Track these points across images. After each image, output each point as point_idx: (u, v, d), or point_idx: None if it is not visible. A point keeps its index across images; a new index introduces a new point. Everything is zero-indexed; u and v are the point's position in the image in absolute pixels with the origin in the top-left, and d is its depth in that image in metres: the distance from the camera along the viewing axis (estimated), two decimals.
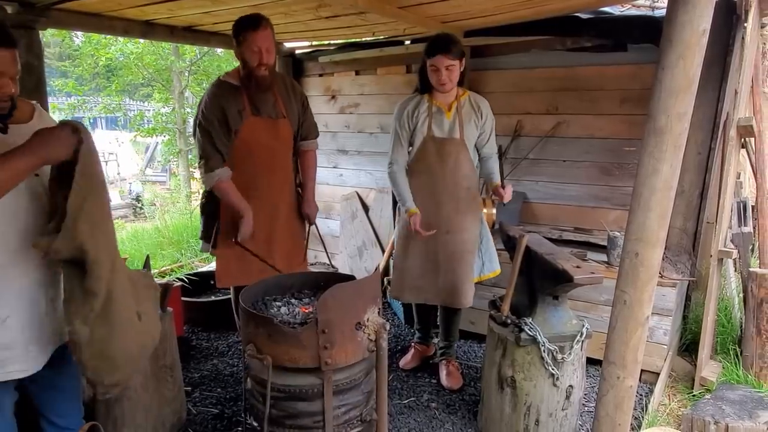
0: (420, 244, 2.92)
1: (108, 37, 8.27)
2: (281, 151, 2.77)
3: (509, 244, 2.75)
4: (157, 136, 9.75)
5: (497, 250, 3.38)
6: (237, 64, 2.76)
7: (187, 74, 9.10)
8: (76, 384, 2.06)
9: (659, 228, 1.62)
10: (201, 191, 3.00)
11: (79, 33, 8.22)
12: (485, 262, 3.02)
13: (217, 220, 2.78)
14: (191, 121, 10.05)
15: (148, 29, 3.36)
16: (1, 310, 1.65)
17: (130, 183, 10.77)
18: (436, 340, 3.37)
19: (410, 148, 2.91)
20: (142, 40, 8.22)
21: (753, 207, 3.55)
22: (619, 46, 3.41)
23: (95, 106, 10.51)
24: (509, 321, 2.45)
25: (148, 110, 12.00)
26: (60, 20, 2.85)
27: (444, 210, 2.84)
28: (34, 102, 1.90)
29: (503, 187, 2.77)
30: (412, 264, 2.96)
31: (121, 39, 8.31)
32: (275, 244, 2.80)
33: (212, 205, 2.78)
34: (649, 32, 3.16)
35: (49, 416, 2.02)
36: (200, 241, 2.97)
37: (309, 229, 3.02)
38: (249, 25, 2.48)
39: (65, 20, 2.89)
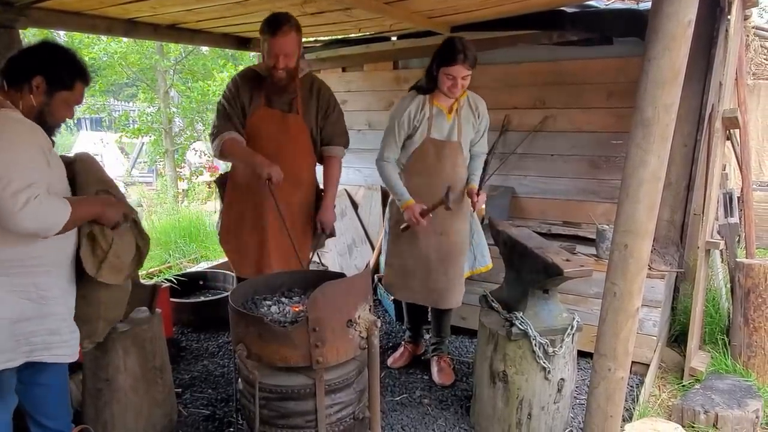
0: (412, 245, 2.90)
1: (91, 36, 8.17)
2: (289, 147, 2.70)
3: (499, 239, 2.75)
4: (142, 136, 9.66)
5: (487, 245, 3.40)
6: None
7: (172, 73, 9.02)
8: (64, 382, 2.05)
9: (648, 219, 1.63)
10: (215, 179, 3.04)
11: (62, 32, 8.10)
12: (477, 257, 3.04)
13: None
14: (177, 120, 10.00)
15: (131, 27, 3.32)
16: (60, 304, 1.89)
17: None
18: (427, 337, 3.37)
19: (403, 147, 2.87)
20: (125, 39, 8.13)
21: (739, 198, 3.59)
22: (605, 39, 3.43)
23: (79, 106, 10.36)
24: (494, 304, 2.46)
25: (133, 110, 11.87)
26: (40, 19, 2.81)
27: (438, 212, 2.81)
28: None
29: (478, 193, 2.77)
30: (403, 263, 2.95)
31: (104, 38, 8.22)
32: (270, 243, 2.75)
33: (222, 193, 2.85)
34: (635, 25, 3.18)
35: (37, 418, 2.01)
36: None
37: (322, 237, 2.90)
38: (269, 29, 2.46)
39: (45, 19, 2.84)
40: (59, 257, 1.85)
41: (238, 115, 2.66)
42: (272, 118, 2.67)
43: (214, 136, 2.68)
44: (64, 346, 1.89)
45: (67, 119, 1.95)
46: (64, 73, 1.81)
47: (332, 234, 2.92)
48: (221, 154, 2.68)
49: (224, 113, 2.65)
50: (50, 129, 1.86)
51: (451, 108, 2.77)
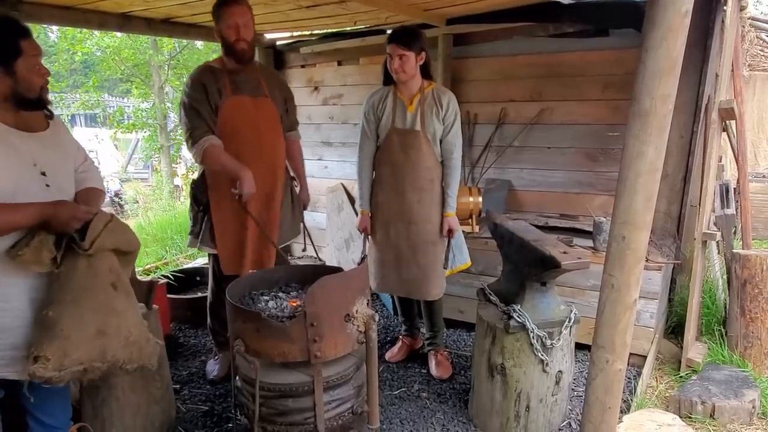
0: (383, 235, 2.96)
1: (84, 31, 8.12)
2: (266, 132, 2.73)
3: (496, 232, 2.75)
4: (137, 132, 9.62)
5: (485, 238, 3.40)
6: (216, 57, 2.73)
7: (166, 68, 8.97)
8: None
9: (645, 211, 1.62)
10: (189, 182, 2.96)
11: (55, 28, 8.04)
12: (455, 255, 3.02)
13: (207, 213, 2.74)
14: (172, 116, 9.96)
15: (125, 22, 3.29)
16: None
17: (108, 181, 10.62)
18: (424, 330, 3.37)
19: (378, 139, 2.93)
20: (118, 34, 8.08)
21: (735, 189, 3.59)
22: (601, 31, 3.42)
23: (73, 102, 10.32)
24: (491, 297, 2.46)
25: (128, 106, 11.82)
26: (32, 14, 2.78)
27: (406, 201, 2.86)
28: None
29: (450, 232, 2.87)
30: (378, 254, 3.00)
31: (97, 33, 8.17)
32: (272, 228, 2.77)
33: (199, 197, 2.75)
34: (631, 17, 3.17)
35: (36, 414, 2.00)
36: (188, 237, 2.89)
37: (299, 220, 3.02)
38: (225, 1, 2.55)
39: (37, 14, 2.81)
40: (19, 266, 1.71)
41: (209, 113, 2.59)
42: (243, 104, 2.66)
43: (193, 140, 2.57)
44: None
45: (45, 78, 1.77)
46: (6, 46, 1.66)
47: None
48: (202, 161, 2.61)
49: (196, 113, 2.57)
50: (30, 102, 1.73)
51: (413, 99, 2.81)
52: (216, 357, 3.13)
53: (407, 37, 2.70)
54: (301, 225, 3.03)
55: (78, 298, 1.71)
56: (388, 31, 4.04)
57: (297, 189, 3.02)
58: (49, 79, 1.85)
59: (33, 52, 1.71)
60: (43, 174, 1.79)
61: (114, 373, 1.80)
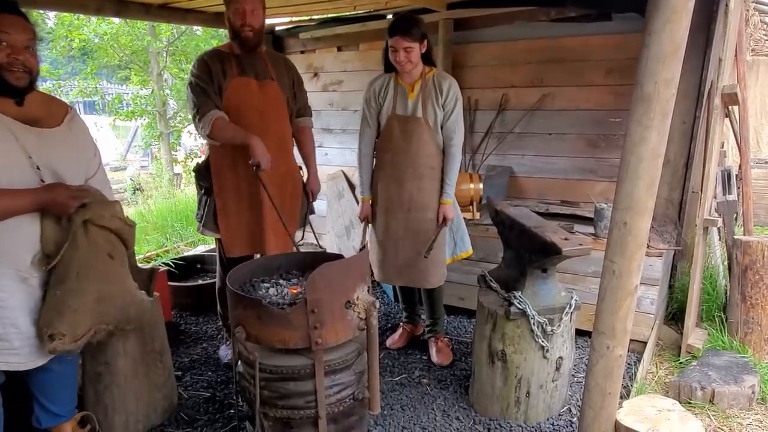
0: (381, 223, 2.94)
1: (81, 17, 8.05)
2: (272, 115, 2.71)
3: (497, 218, 2.75)
4: (136, 119, 9.58)
5: (486, 225, 3.39)
6: (215, 43, 2.70)
7: (165, 55, 8.91)
8: (71, 369, 2.06)
9: (647, 196, 1.61)
10: (189, 169, 2.96)
11: (51, 14, 7.97)
12: (457, 242, 3.02)
13: (210, 196, 2.74)
14: (171, 103, 9.91)
15: (122, 7, 3.26)
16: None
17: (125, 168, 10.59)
18: (425, 317, 3.38)
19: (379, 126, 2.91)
20: (116, 20, 8.01)
21: (737, 176, 3.57)
22: (604, 15, 3.38)
23: (72, 90, 10.26)
24: (492, 284, 2.46)
25: (127, 93, 11.75)
26: None
27: (406, 188, 2.84)
28: (71, 106, 1.94)
29: (445, 221, 2.84)
30: (377, 242, 3.00)
31: (94, 19, 8.10)
32: (267, 222, 2.73)
33: (203, 181, 2.75)
34: (634, 0, 3.12)
35: (42, 401, 2.02)
36: (197, 223, 2.90)
37: (309, 207, 3.00)
38: None
39: None
40: (8, 255, 1.72)
41: (215, 92, 2.58)
42: (249, 86, 2.64)
43: (199, 116, 2.54)
44: (14, 354, 1.79)
45: (10, 57, 1.67)
46: None
47: (311, 210, 3.03)
48: (210, 134, 2.54)
49: (202, 91, 2.56)
50: (7, 83, 1.68)
51: (414, 86, 2.78)
52: (228, 342, 3.15)
53: (411, 27, 2.64)
54: (304, 209, 2.99)
55: (81, 273, 1.81)
56: (389, 17, 4.03)
57: (304, 177, 2.97)
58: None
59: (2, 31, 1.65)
60: (39, 169, 1.76)
61: (115, 334, 1.97)
